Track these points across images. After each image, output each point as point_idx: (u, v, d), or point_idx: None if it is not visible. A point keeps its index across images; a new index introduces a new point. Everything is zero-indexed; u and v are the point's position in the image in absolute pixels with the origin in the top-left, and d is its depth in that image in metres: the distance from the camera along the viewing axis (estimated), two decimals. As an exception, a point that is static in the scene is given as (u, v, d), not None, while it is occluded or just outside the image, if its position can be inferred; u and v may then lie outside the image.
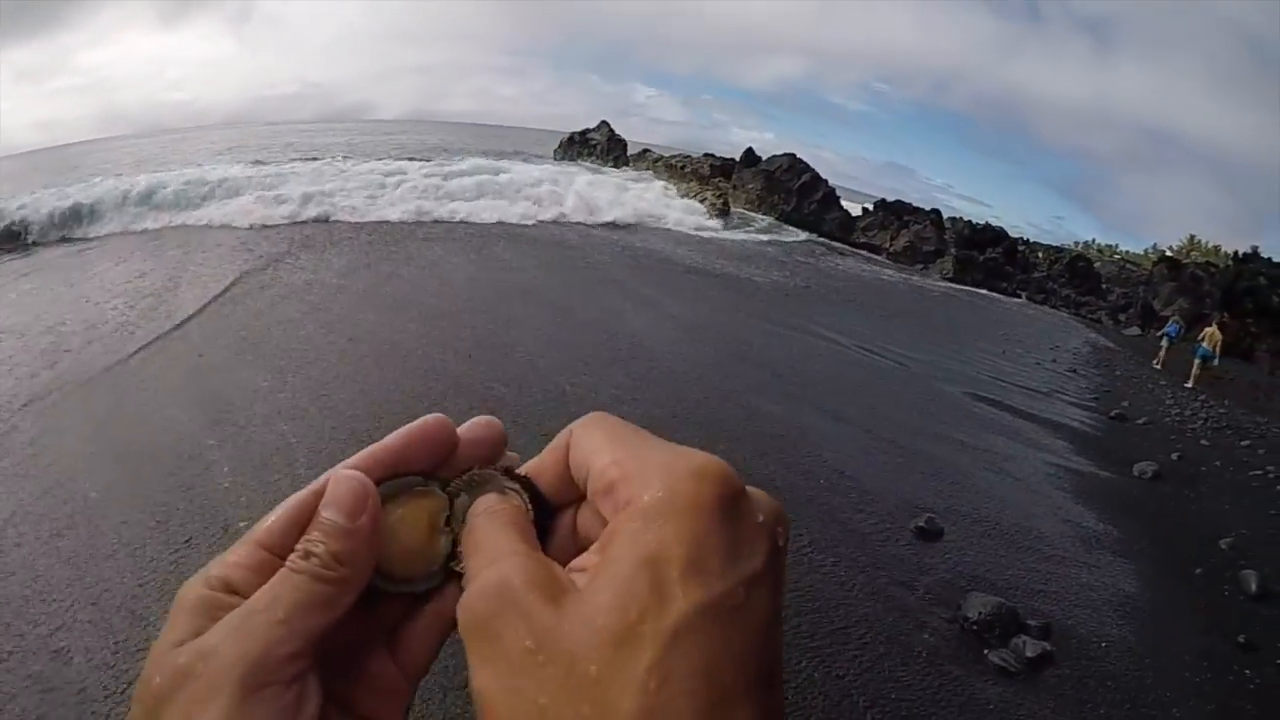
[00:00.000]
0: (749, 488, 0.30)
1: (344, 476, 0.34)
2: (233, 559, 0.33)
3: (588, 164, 34.42)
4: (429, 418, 0.38)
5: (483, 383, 6.53)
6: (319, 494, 0.34)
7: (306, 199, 14.72)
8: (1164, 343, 16.98)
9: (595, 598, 0.27)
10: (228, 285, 8.83)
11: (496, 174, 20.84)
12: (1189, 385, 13.95)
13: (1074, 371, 13.37)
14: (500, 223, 16.33)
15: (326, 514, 0.33)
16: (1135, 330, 21.54)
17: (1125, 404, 11.04)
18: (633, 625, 0.25)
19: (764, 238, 22.42)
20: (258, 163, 20.13)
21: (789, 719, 3.31)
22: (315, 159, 21.48)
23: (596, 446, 0.32)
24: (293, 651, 0.30)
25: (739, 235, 21.95)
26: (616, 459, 0.31)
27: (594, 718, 0.25)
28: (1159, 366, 16.16)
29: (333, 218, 14.45)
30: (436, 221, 15.41)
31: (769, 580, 0.28)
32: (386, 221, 14.76)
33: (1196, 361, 14.54)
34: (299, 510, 0.34)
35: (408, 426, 0.37)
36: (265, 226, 13.14)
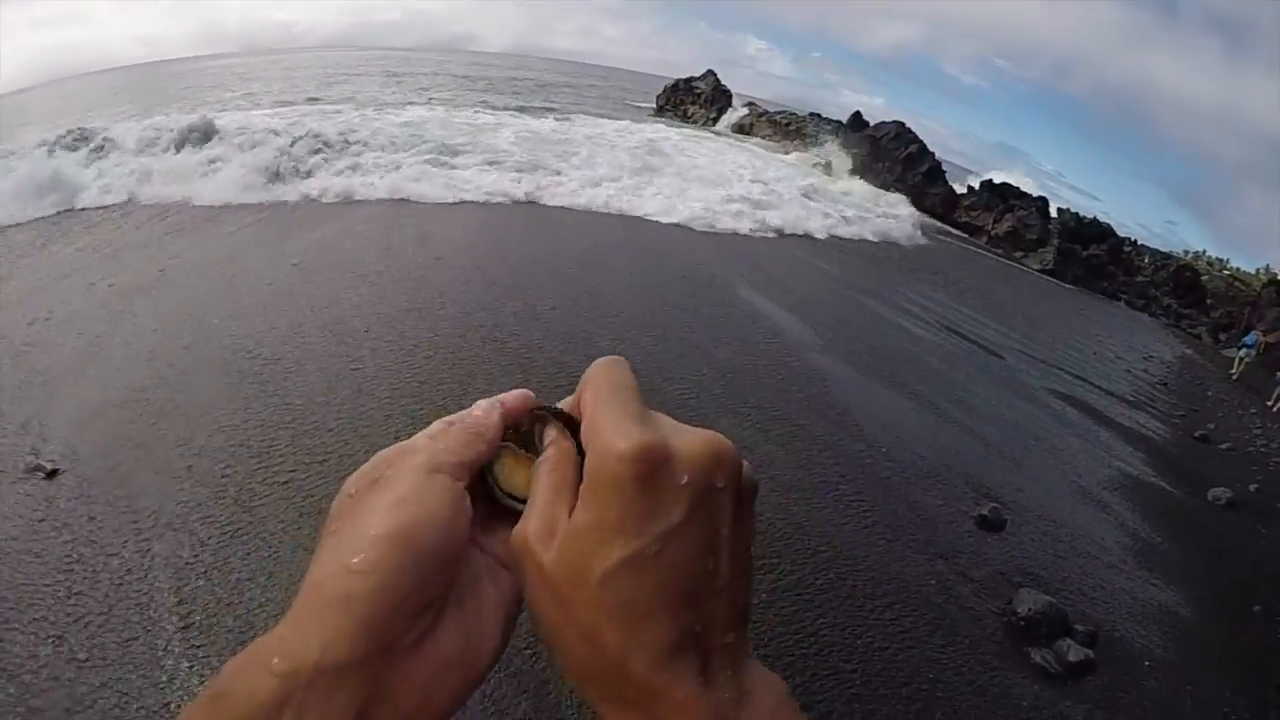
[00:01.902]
0: (681, 449, 0.38)
1: (507, 396, 0.49)
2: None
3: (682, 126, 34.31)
4: (522, 391, 0.50)
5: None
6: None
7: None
8: (1240, 353, 17.54)
9: (562, 551, 0.39)
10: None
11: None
12: (1272, 405, 14.21)
13: (1164, 385, 13.19)
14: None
15: (482, 402, 0.48)
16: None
17: (1211, 426, 10.93)
18: (580, 570, 0.38)
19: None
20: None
21: (828, 683, 3.52)
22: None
23: (587, 402, 0.43)
24: (457, 462, 0.44)
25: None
26: (587, 426, 0.41)
27: (568, 622, 0.39)
28: (1234, 378, 16.84)
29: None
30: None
31: (690, 526, 0.38)
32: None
33: (1240, 352, 15.69)
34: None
35: (516, 392, 0.50)
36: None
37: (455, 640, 0.42)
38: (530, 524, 0.41)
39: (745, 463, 0.41)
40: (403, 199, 10.36)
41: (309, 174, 10.71)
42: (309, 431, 4.37)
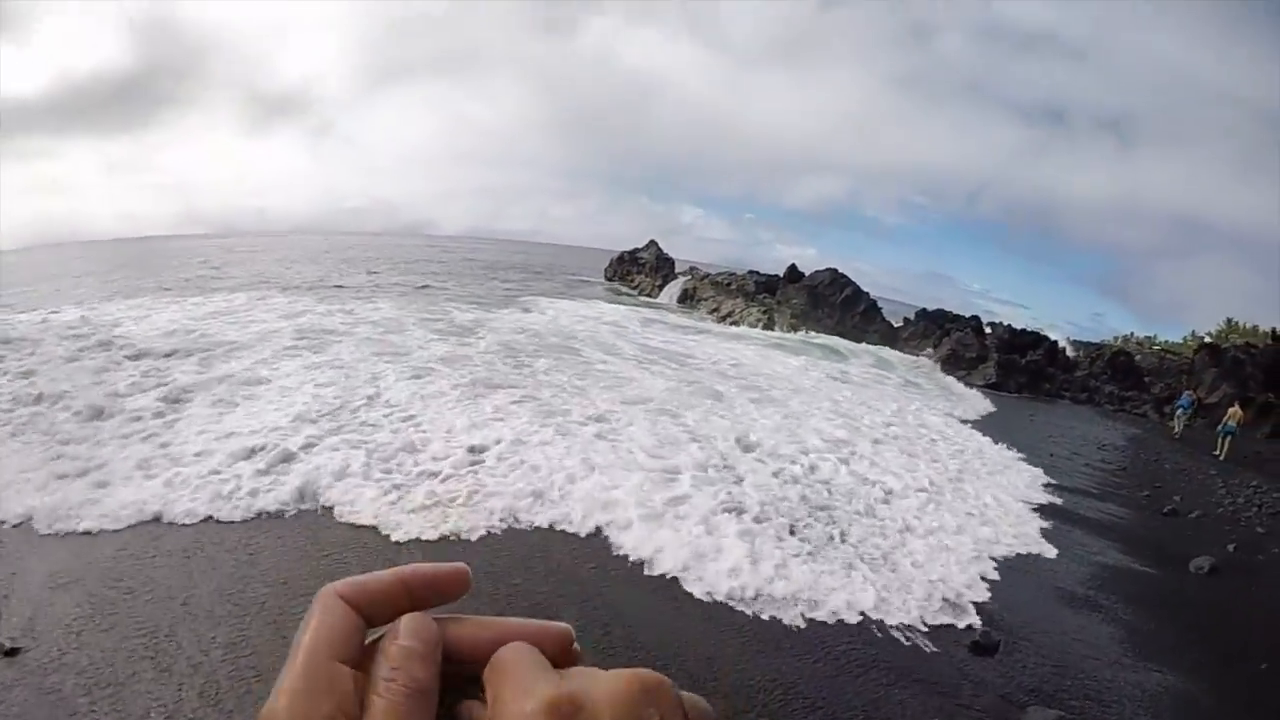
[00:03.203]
0: (598, 694, 0.36)
1: (417, 616, 0.41)
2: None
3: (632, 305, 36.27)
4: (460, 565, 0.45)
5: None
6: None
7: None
8: (1178, 413, 20.35)
9: None
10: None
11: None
12: (1218, 455, 16.27)
13: (1123, 469, 13.96)
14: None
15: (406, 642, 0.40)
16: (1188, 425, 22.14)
17: (1177, 498, 11.56)
18: None
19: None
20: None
21: None
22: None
23: (490, 681, 0.39)
24: None
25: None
26: (492, 702, 0.38)
27: None
28: (1176, 437, 19.39)
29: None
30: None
31: None
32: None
33: (1222, 438, 16.81)
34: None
35: (443, 567, 0.45)
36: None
37: None
38: None
39: (690, 695, 0.40)
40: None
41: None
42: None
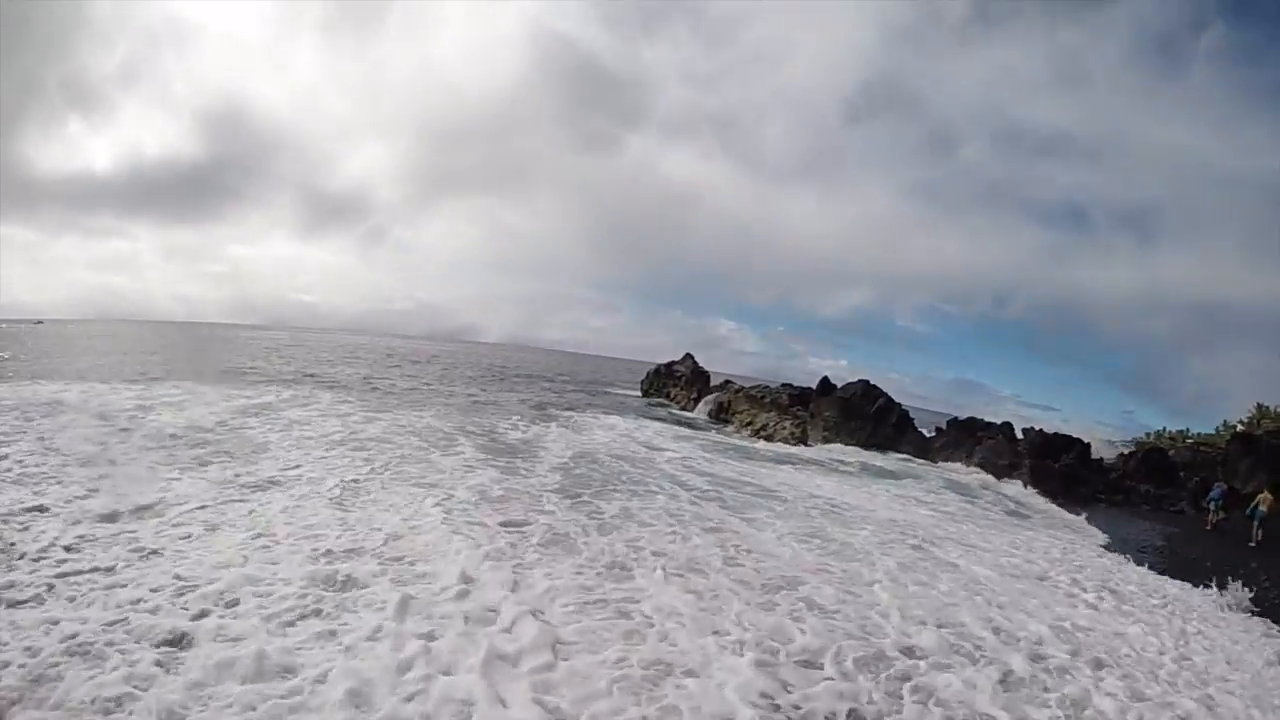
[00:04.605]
0: None
1: None
2: None
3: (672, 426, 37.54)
4: None
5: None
6: None
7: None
8: (1211, 506, 20.71)
9: None
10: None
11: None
12: (1252, 544, 16.84)
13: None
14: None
15: None
16: (1221, 516, 22.31)
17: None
18: None
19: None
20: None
21: None
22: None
23: None
24: None
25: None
26: None
27: None
28: (1209, 528, 19.97)
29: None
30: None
31: None
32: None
33: (1255, 523, 17.45)
34: None
35: None
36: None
37: None
38: None
39: None
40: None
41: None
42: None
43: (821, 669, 6.35)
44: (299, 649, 5.39)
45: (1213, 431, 38.34)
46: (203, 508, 8.54)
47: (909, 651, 7.07)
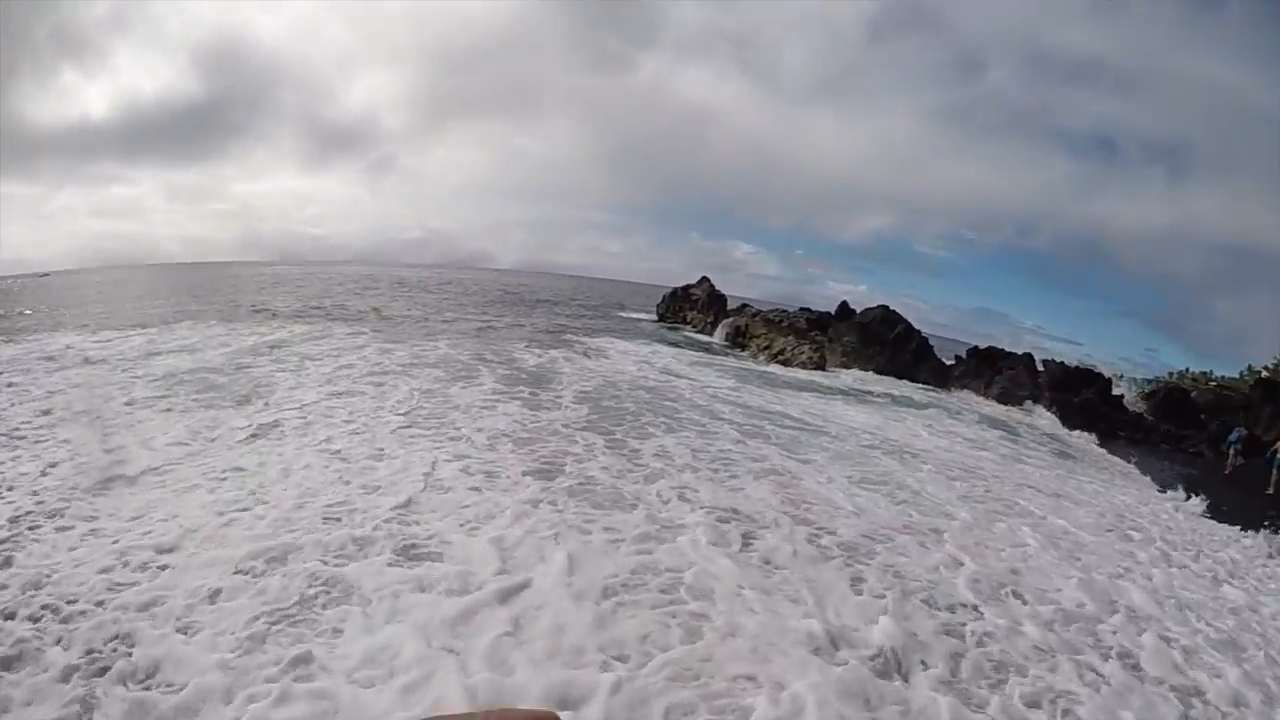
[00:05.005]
0: None
1: None
2: None
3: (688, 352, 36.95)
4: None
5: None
6: None
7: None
8: (1230, 450, 20.32)
9: None
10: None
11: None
12: (1270, 492, 16.30)
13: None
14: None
15: None
16: (1240, 460, 22.08)
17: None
18: None
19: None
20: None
21: None
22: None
23: None
24: None
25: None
26: None
27: None
28: (1227, 472, 19.38)
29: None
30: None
31: None
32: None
33: (1275, 471, 16.87)
34: None
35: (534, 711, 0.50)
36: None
37: None
38: None
39: None
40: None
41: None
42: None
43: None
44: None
45: (1236, 376, 37.60)
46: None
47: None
